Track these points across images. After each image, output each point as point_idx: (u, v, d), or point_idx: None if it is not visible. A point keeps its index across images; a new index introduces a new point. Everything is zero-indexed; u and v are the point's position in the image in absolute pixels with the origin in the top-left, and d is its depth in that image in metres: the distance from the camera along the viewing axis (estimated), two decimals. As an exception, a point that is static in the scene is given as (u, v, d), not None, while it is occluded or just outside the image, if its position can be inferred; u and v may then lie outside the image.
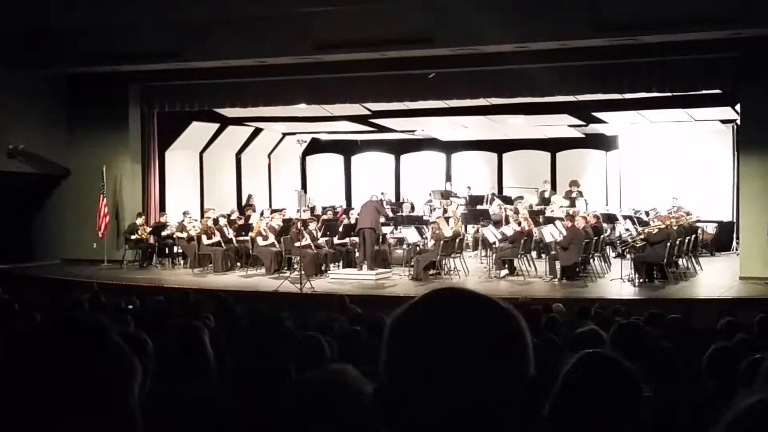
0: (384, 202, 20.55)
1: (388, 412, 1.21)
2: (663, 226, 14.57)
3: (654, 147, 20.83)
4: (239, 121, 21.43)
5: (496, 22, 13.82)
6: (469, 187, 21.97)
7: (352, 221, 17.09)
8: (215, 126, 21.20)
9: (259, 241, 16.57)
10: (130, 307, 8.59)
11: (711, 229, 18.73)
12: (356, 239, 16.36)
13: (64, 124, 18.83)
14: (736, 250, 17.16)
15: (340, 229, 17.30)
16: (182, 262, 17.91)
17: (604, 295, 12.99)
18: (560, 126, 20.60)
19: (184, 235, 17.25)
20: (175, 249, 18.10)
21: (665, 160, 20.40)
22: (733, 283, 14.11)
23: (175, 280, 15.82)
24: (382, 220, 17.46)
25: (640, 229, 15.44)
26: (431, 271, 15.39)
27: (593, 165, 22.29)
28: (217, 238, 16.96)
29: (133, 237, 17.67)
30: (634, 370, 2.35)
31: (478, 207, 19.77)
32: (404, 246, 16.94)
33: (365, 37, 14.88)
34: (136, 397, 1.42)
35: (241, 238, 17.18)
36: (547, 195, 19.81)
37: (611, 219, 17.31)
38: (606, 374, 2.30)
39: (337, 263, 16.88)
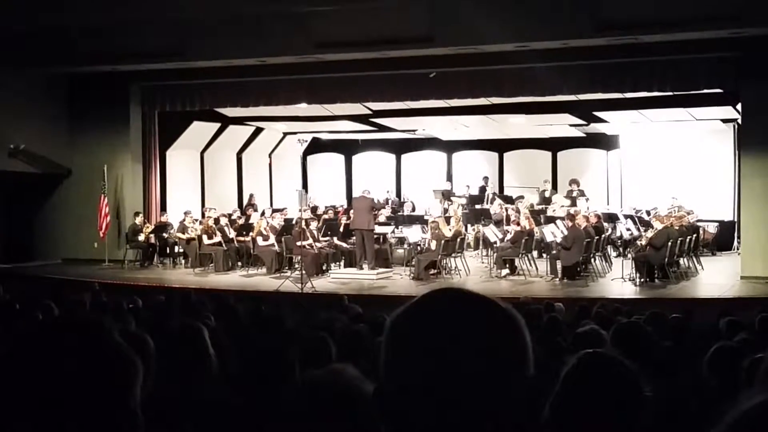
0: (389, 201, 20.56)
1: (388, 412, 1.22)
2: (662, 226, 14.56)
3: (655, 146, 20.82)
4: (240, 121, 21.45)
5: (496, 21, 13.82)
6: (467, 186, 22.00)
7: (353, 221, 17.09)
8: (216, 125, 21.21)
9: (260, 241, 16.57)
10: (131, 306, 8.59)
11: (712, 228, 18.72)
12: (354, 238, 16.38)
13: (65, 123, 18.84)
14: (737, 249, 17.16)
15: (341, 229, 17.29)
16: (183, 261, 17.92)
17: (605, 295, 12.98)
18: (561, 125, 20.60)
19: (186, 236, 17.26)
20: (176, 249, 18.12)
21: (666, 160, 20.39)
22: (734, 283, 14.10)
23: (176, 279, 15.83)
24: (382, 219, 17.47)
25: (645, 236, 15.26)
26: (432, 271, 15.39)
27: (594, 164, 22.29)
28: (218, 238, 16.97)
29: (140, 238, 17.67)
30: (634, 370, 2.35)
31: (477, 206, 19.79)
32: (405, 245, 16.94)
33: (366, 36, 14.88)
34: (137, 397, 1.42)
35: (241, 238, 17.18)
36: (547, 194, 19.82)
37: (612, 218, 17.30)
38: (606, 374, 2.30)
39: (337, 263, 16.88)
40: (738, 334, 5.97)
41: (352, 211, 16.79)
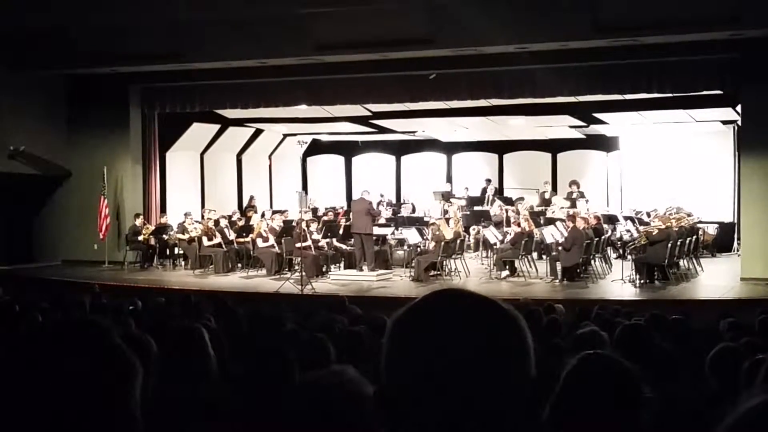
0: (384, 204, 20.57)
1: (388, 413, 1.21)
2: (663, 226, 14.57)
3: (655, 148, 20.84)
4: (240, 123, 21.45)
5: (496, 23, 13.82)
6: (467, 188, 22.00)
7: (353, 222, 17.09)
8: (216, 127, 21.22)
9: (260, 242, 16.57)
10: (132, 308, 8.59)
11: (712, 230, 18.73)
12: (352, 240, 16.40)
13: (64, 125, 18.84)
14: (737, 251, 17.16)
15: (341, 230, 17.29)
16: (183, 263, 17.92)
17: (605, 296, 12.98)
18: (561, 127, 20.61)
19: (186, 236, 17.27)
20: (176, 250, 18.12)
21: (666, 161, 20.41)
22: (734, 284, 14.10)
23: (176, 281, 15.82)
24: (382, 220, 17.47)
25: (641, 229, 15.46)
26: (432, 272, 15.40)
27: (594, 166, 22.31)
28: (217, 239, 16.97)
29: (140, 239, 17.67)
30: (635, 371, 2.35)
31: (476, 208, 19.80)
32: (405, 247, 16.94)
33: (366, 37, 14.87)
34: (137, 398, 1.42)
35: (241, 240, 17.18)
36: (547, 196, 19.82)
37: (612, 220, 17.31)
38: (607, 375, 2.30)
39: (337, 264, 16.88)
40: (738, 335, 5.97)
41: (351, 214, 16.79)
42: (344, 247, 16.95)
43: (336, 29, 14.94)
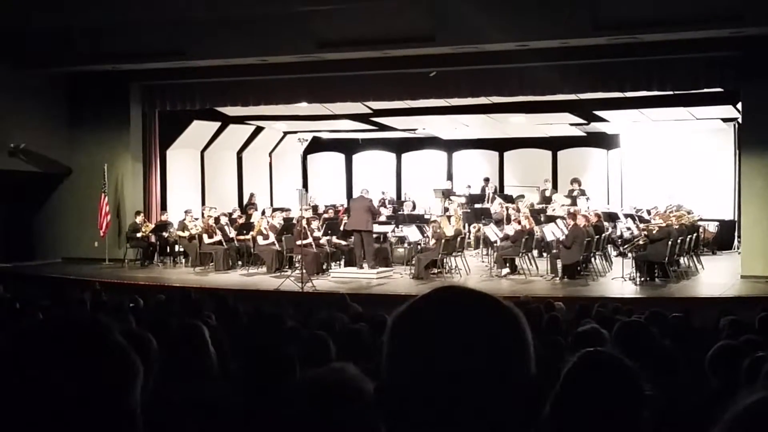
0: (386, 201, 20.56)
1: (389, 410, 1.21)
2: (664, 224, 14.57)
3: (655, 145, 20.82)
4: (240, 120, 21.45)
5: (497, 20, 13.83)
6: (469, 186, 22.00)
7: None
8: (216, 125, 21.21)
9: (260, 240, 16.58)
10: (132, 306, 8.60)
11: (712, 227, 18.71)
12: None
13: (65, 123, 18.84)
14: (738, 248, 17.15)
15: (341, 228, 17.29)
16: (183, 260, 17.92)
17: (605, 294, 12.97)
18: (561, 124, 20.60)
19: (186, 234, 17.27)
20: (176, 248, 18.13)
21: (666, 159, 20.38)
22: (735, 282, 14.10)
23: (176, 278, 15.83)
24: (383, 218, 17.47)
25: (642, 226, 15.46)
26: (432, 270, 15.39)
27: (594, 163, 22.29)
28: (218, 237, 16.97)
29: (138, 235, 17.68)
30: (635, 369, 2.35)
31: (476, 206, 19.80)
32: (405, 244, 16.94)
33: (367, 35, 14.88)
34: (137, 396, 1.41)
35: (242, 237, 17.19)
36: (548, 194, 19.81)
37: (612, 217, 17.29)
38: (607, 373, 2.30)
39: (338, 262, 16.88)
40: (738, 333, 5.97)
41: (350, 211, 16.77)
42: (344, 244, 16.94)
43: (336, 27, 14.94)
